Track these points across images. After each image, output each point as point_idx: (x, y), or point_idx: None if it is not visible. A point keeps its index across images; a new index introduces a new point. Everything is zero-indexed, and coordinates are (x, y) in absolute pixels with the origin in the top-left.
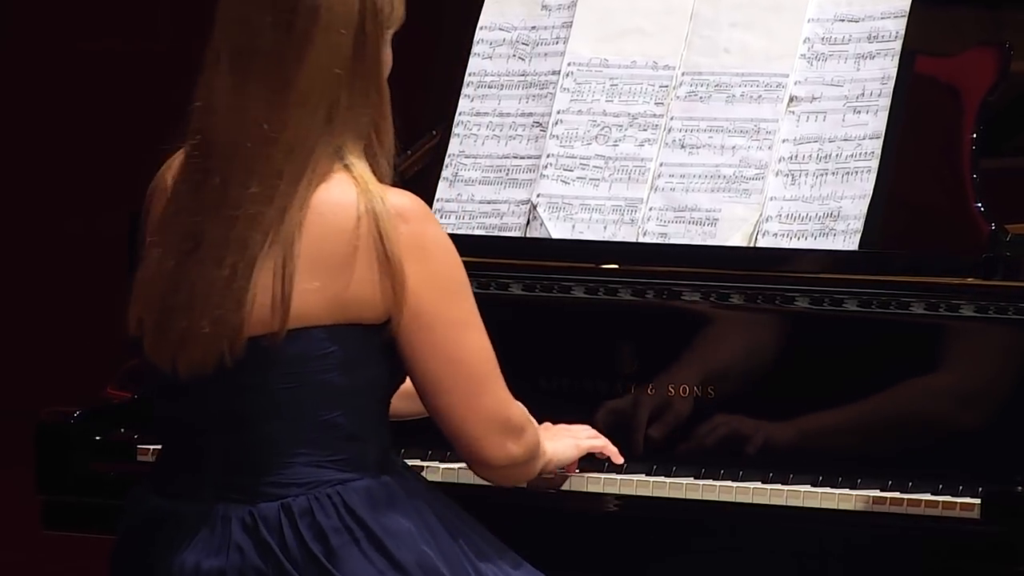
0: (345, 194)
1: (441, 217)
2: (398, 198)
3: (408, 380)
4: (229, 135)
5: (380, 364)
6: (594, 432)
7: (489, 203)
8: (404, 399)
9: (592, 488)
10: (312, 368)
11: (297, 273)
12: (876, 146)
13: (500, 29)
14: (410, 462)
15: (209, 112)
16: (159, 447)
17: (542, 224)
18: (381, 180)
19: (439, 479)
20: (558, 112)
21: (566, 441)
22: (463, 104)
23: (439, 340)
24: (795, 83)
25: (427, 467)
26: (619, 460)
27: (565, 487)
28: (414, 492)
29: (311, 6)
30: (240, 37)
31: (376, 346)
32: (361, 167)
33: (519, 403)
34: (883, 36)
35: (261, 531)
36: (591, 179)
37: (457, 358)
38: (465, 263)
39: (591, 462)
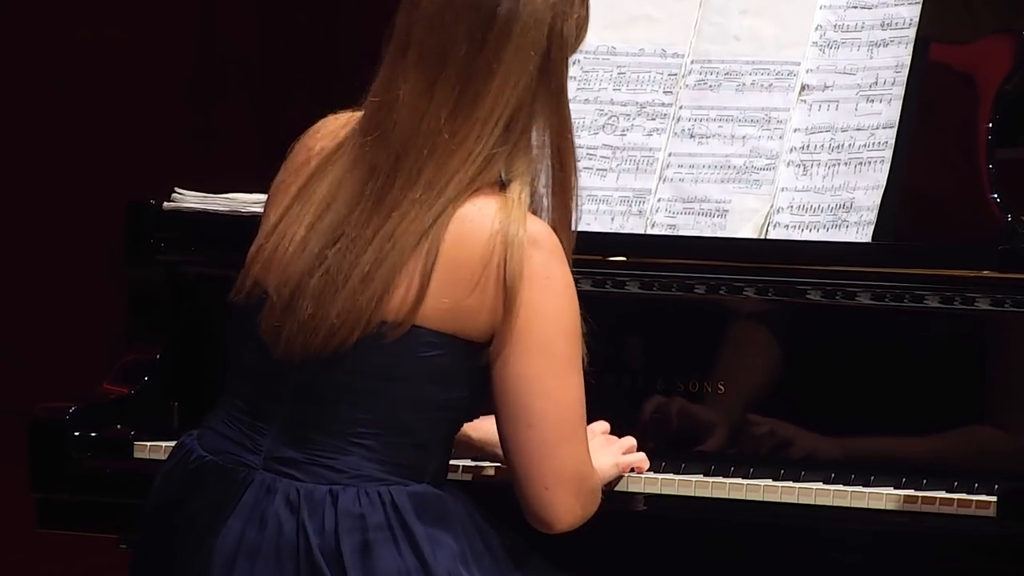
0: (486, 210)
1: None
2: (535, 226)
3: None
4: (406, 135)
5: (472, 384)
6: (631, 443)
7: None
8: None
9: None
10: (408, 367)
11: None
12: (890, 136)
13: None
14: None
15: (390, 107)
16: (154, 443)
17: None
18: (562, 218)
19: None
20: None
21: (608, 461)
22: None
23: (537, 371)
24: (807, 71)
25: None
26: (644, 466)
27: None
28: (465, 514)
29: (506, 23)
30: (432, 40)
31: (473, 366)
32: (518, 191)
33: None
34: (897, 23)
35: (303, 511)
36: (598, 169)
37: (550, 396)
38: None
39: None
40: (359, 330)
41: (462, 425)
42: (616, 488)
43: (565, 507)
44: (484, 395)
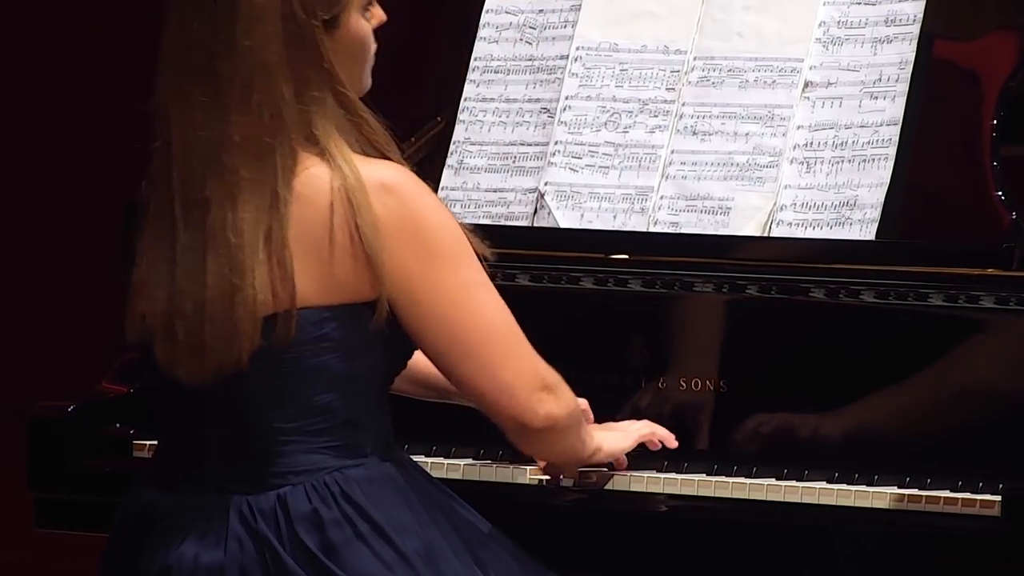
0: (319, 175)
1: (446, 205)
2: (381, 170)
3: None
4: (183, 144)
5: (378, 346)
6: (646, 423)
7: (495, 191)
8: (413, 383)
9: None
10: (305, 351)
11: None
12: (894, 133)
13: (507, 12)
14: (414, 458)
15: (165, 122)
16: (156, 443)
17: (550, 213)
18: (381, 148)
19: (443, 475)
20: (566, 98)
21: (616, 433)
22: (468, 89)
23: (440, 311)
24: (810, 68)
25: (431, 463)
26: (673, 444)
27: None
28: (415, 482)
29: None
30: (176, 43)
31: (373, 327)
32: (337, 146)
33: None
34: (901, 19)
35: (259, 523)
36: (600, 167)
37: (466, 325)
38: None
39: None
40: (243, 341)
41: (388, 387)
42: (618, 488)
43: (536, 409)
44: (402, 350)
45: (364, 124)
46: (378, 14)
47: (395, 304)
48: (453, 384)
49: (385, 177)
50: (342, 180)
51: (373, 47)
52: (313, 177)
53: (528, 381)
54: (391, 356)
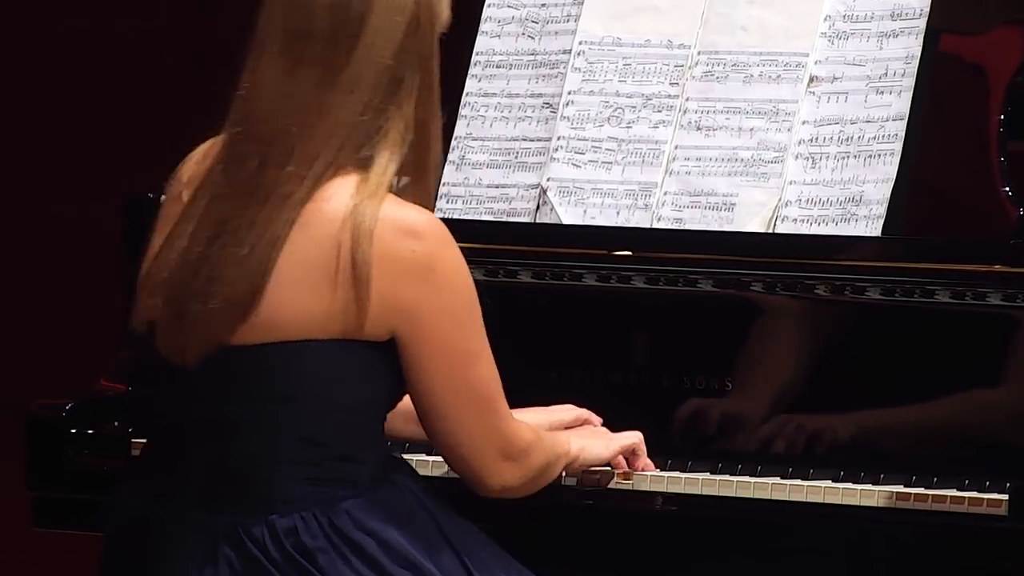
0: (341, 194)
1: (447, 202)
2: (414, 214)
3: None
4: (273, 121)
5: (376, 384)
6: (634, 440)
7: (497, 187)
8: (408, 422)
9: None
10: (303, 384)
11: (287, 273)
12: (899, 128)
13: (508, 6)
14: (414, 457)
15: (254, 100)
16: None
17: (552, 209)
18: (422, 195)
19: (442, 473)
20: (569, 93)
21: (598, 441)
22: (470, 84)
23: (446, 368)
24: (815, 62)
25: (432, 462)
26: (640, 468)
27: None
28: (411, 503)
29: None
30: (295, 20)
31: (375, 366)
32: (382, 168)
33: (529, 424)
34: (907, 13)
35: (248, 545)
36: (603, 162)
37: (462, 387)
38: (472, 249)
39: None
40: (246, 316)
41: (383, 421)
42: (620, 487)
43: (494, 472)
44: (399, 387)
45: (426, 160)
46: None
47: (405, 350)
48: (426, 432)
49: (416, 222)
50: (358, 208)
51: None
52: (336, 190)
53: (495, 447)
54: (390, 392)
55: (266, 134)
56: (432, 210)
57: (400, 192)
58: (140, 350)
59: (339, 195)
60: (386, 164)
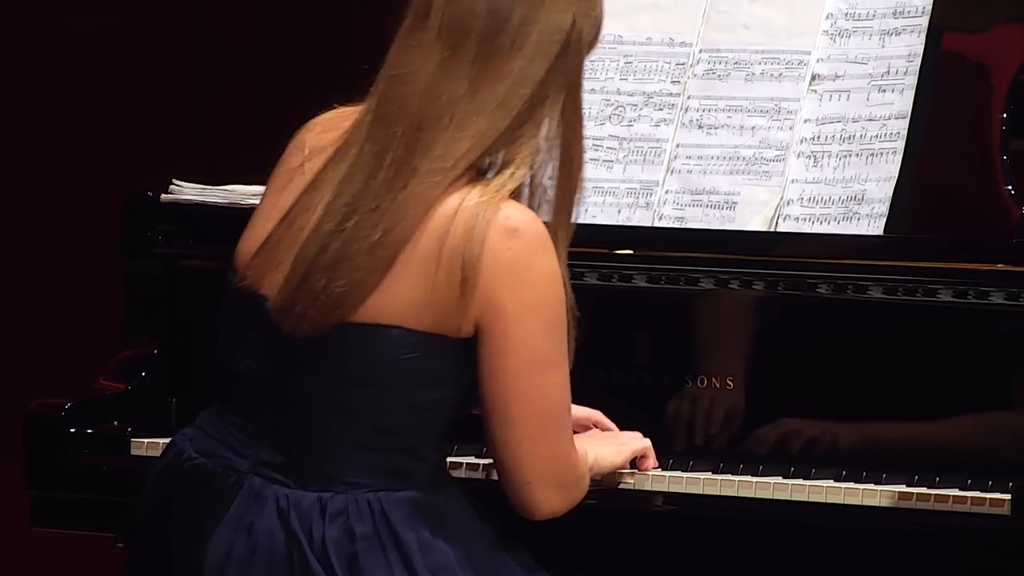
0: (461, 192)
1: None
2: (518, 214)
3: None
4: (426, 109)
5: (459, 383)
6: (643, 445)
7: None
8: None
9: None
10: (385, 369)
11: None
12: (902, 126)
13: None
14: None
15: (406, 81)
16: (151, 440)
17: None
18: (563, 212)
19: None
20: None
21: (610, 448)
22: None
23: (521, 370)
24: (817, 60)
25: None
26: (647, 469)
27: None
28: (465, 519)
29: (531, 4)
30: (454, 10)
31: (458, 364)
32: (508, 175)
33: (582, 454)
34: (909, 11)
35: (292, 519)
36: (604, 161)
37: (533, 394)
38: None
39: None
40: (361, 300)
41: (451, 424)
42: (622, 486)
43: (544, 499)
44: (474, 391)
45: (572, 178)
46: None
47: (484, 346)
48: (487, 439)
49: (519, 221)
50: (473, 207)
51: None
52: (446, 203)
53: (552, 472)
54: (466, 393)
55: (419, 122)
56: (571, 234)
57: (538, 209)
58: (240, 302)
59: (458, 194)
60: (511, 174)
